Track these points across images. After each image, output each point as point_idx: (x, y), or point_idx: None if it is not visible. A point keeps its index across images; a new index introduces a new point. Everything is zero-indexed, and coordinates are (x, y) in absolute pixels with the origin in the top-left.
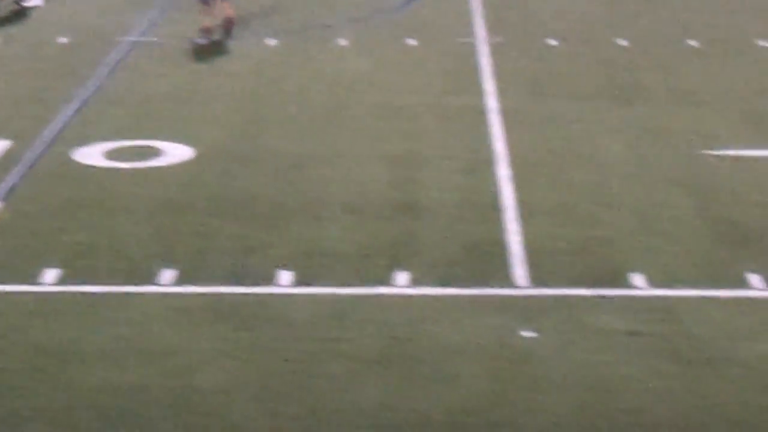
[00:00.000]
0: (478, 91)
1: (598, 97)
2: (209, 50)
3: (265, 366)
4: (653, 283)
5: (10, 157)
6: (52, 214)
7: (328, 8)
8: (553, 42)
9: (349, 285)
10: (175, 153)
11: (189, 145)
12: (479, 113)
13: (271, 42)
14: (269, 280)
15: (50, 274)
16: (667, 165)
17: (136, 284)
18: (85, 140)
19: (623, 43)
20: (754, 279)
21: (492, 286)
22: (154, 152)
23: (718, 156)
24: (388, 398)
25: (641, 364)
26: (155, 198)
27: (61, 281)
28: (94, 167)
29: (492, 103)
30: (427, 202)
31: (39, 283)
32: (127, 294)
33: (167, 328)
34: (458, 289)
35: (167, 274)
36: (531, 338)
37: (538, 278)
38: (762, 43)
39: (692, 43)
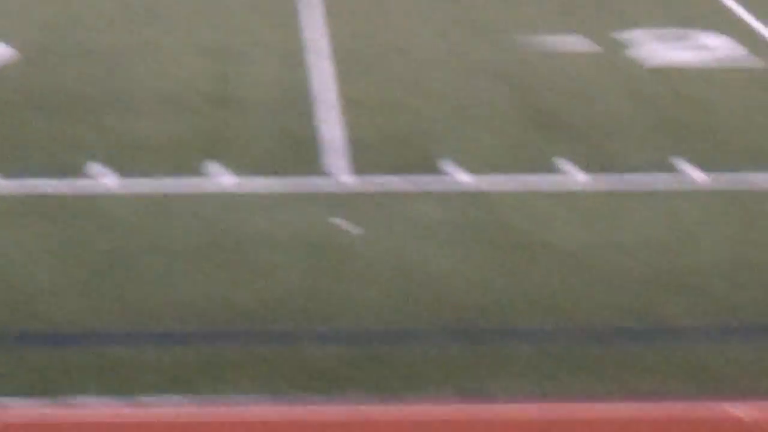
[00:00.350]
0: None
1: None
2: None
3: (84, 262)
4: (469, 171)
5: None
6: None
7: None
8: None
9: (166, 178)
10: None
11: (3, 41)
12: (297, 6)
13: None
14: (86, 174)
15: None
16: (482, 55)
17: None
18: None
19: None
20: (567, 166)
21: (309, 177)
22: None
23: (532, 46)
24: (206, 290)
25: (460, 253)
26: None
27: None
28: None
29: None
30: (245, 94)
31: None
32: None
33: None
34: (276, 180)
35: None
36: (348, 228)
37: (355, 169)
38: None
39: None
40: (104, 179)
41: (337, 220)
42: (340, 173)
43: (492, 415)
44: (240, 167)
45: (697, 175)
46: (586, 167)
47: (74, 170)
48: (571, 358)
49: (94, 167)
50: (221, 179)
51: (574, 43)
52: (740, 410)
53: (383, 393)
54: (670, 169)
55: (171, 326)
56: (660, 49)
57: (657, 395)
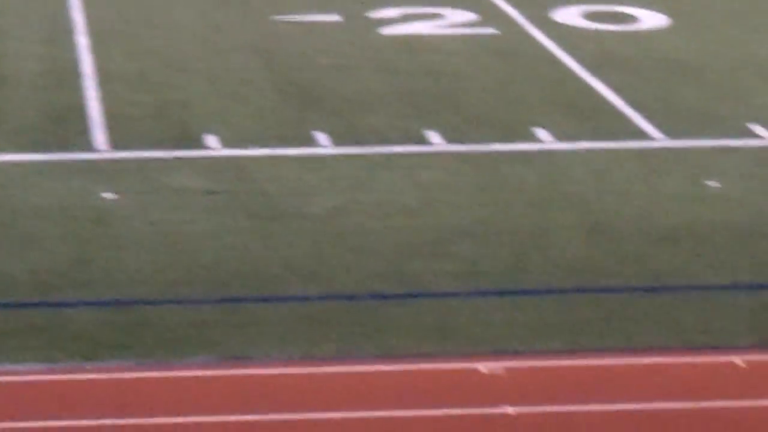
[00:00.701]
0: None
1: None
2: None
3: None
4: (227, 143)
5: None
6: None
7: None
8: None
9: None
10: None
11: None
12: None
13: None
14: None
15: None
16: (238, 30)
17: None
18: None
19: None
20: (321, 137)
21: (73, 151)
22: None
23: (287, 23)
24: None
25: (217, 221)
26: None
27: None
28: None
29: None
30: (9, 71)
31: None
32: None
33: None
34: (41, 154)
35: None
36: (112, 200)
37: (117, 142)
38: None
39: None
40: None
41: (101, 192)
42: (103, 146)
43: (250, 377)
44: (7, 142)
45: (441, 144)
46: (339, 138)
47: None
48: (327, 320)
49: None
50: None
51: (328, 20)
52: (488, 367)
53: (146, 357)
54: (418, 138)
55: None
56: (410, 25)
57: (411, 354)
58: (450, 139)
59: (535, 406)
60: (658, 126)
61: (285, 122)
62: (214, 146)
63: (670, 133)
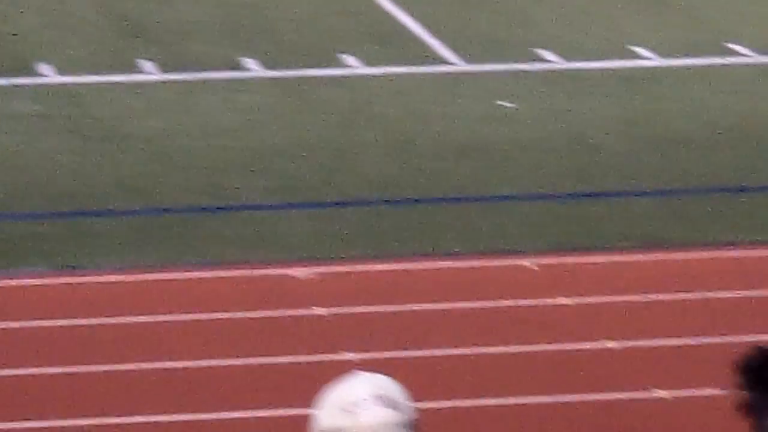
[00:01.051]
0: None
1: None
2: None
3: None
4: (59, 71)
5: None
6: None
7: None
8: None
9: None
10: None
11: None
12: None
13: None
14: None
15: None
16: None
17: None
18: None
19: None
20: (147, 65)
21: None
22: None
23: None
24: None
25: (52, 143)
26: None
27: None
28: None
29: None
30: None
31: None
32: None
33: None
34: None
35: None
36: None
37: None
38: None
39: None
40: None
41: None
42: None
43: (84, 285)
44: None
45: (258, 69)
46: (163, 65)
47: None
48: (152, 232)
49: None
50: None
51: None
52: (301, 273)
53: None
54: (236, 65)
55: None
56: None
57: (229, 262)
58: (265, 66)
59: (344, 307)
60: (456, 52)
61: (113, 51)
62: (47, 74)
63: (466, 58)
